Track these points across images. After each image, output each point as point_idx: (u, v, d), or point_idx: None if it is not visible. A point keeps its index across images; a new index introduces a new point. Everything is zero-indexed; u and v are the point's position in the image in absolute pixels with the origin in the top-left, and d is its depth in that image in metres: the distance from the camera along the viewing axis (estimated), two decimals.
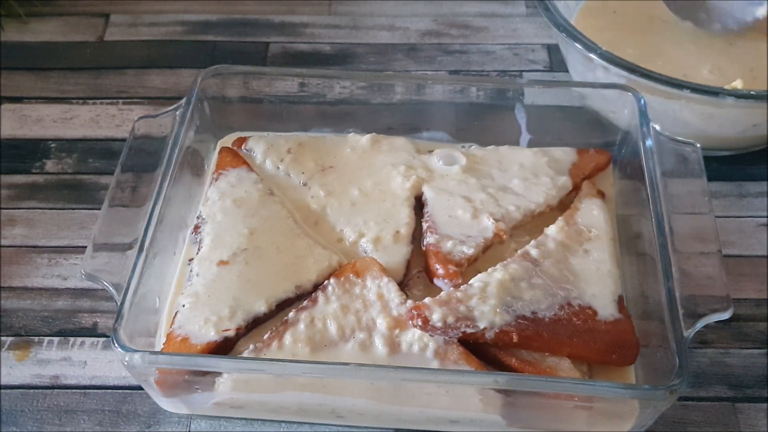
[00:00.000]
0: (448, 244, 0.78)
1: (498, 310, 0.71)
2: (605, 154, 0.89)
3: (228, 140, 0.91)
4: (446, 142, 0.91)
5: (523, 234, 0.81)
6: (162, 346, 0.73)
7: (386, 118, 0.91)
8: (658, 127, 0.83)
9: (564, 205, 0.84)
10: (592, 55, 0.92)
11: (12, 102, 1.06)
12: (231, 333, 0.72)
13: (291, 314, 0.74)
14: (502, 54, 1.13)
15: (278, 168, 0.87)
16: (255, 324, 0.74)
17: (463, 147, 0.89)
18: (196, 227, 0.82)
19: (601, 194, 0.85)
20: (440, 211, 0.81)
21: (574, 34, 0.94)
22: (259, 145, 0.88)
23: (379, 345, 0.71)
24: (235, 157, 0.87)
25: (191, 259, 0.79)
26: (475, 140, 0.90)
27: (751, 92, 0.88)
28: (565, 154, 0.87)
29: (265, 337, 0.72)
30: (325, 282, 0.76)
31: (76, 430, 0.77)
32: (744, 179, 0.97)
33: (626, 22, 1.05)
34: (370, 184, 0.84)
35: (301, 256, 0.78)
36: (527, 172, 0.85)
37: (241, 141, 0.89)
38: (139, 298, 0.72)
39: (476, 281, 0.74)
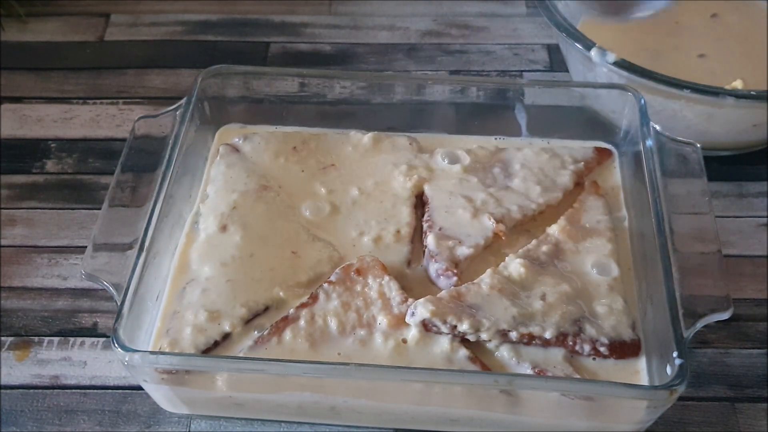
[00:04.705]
0: (449, 244, 0.78)
1: (498, 309, 0.71)
2: (607, 152, 0.89)
3: (228, 137, 0.90)
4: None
5: (525, 233, 0.81)
6: (162, 346, 0.73)
7: (386, 118, 0.90)
8: (658, 127, 0.83)
9: (565, 203, 0.84)
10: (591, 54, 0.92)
11: (12, 102, 1.06)
12: (230, 332, 0.72)
13: (291, 311, 0.74)
14: (502, 54, 1.13)
15: (279, 165, 0.87)
16: (254, 322, 0.74)
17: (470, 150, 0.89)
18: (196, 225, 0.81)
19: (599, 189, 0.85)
20: (441, 211, 0.81)
21: (574, 34, 0.94)
22: (259, 142, 0.88)
23: (380, 343, 0.71)
24: (235, 155, 0.87)
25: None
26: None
27: (751, 92, 0.88)
28: (566, 153, 0.87)
29: (265, 333, 0.72)
30: (326, 279, 0.76)
31: (76, 430, 0.77)
32: (744, 179, 0.97)
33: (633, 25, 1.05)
34: (371, 183, 0.84)
35: (301, 254, 0.78)
36: (528, 171, 0.85)
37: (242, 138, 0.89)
38: (139, 298, 0.72)
39: (476, 280, 0.74)
